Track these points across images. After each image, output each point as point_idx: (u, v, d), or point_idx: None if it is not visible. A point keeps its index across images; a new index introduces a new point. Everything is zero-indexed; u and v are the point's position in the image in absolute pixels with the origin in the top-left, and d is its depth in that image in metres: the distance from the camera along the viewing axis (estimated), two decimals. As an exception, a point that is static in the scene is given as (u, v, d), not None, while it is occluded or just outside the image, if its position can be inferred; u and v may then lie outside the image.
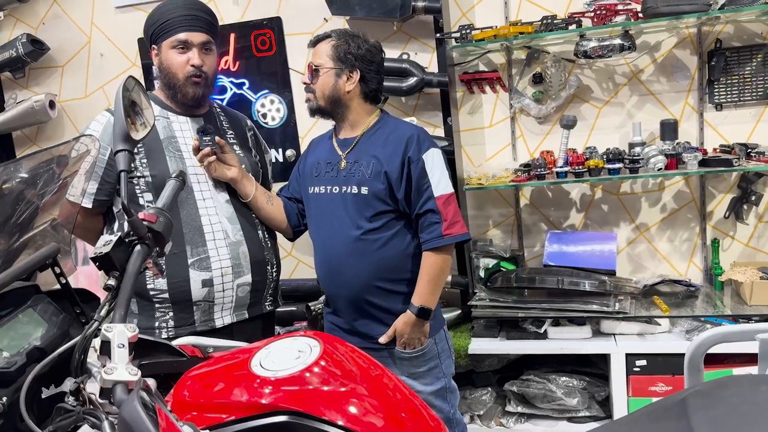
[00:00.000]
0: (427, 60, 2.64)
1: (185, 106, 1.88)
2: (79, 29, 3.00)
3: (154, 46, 1.86)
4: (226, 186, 1.89)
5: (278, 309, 2.08)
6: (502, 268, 2.56)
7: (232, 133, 1.98)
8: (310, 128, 2.82)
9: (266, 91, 2.84)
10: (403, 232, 1.85)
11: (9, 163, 1.24)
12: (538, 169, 2.37)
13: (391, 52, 2.62)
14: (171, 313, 1.81)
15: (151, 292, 1.79)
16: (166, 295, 1.79)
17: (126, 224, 1.17)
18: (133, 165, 1.75)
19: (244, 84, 2.84)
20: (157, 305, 1.81)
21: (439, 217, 1.79)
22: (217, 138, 1.84)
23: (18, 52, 2.87)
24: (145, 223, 1.20)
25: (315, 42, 1.90)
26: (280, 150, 2.88)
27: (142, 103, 1.32)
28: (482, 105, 2.66)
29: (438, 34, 2.50)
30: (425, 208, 1.80)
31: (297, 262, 2.96)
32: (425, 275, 1.82)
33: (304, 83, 1.90)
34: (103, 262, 1.12)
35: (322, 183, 1.92)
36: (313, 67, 1.86)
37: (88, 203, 1.79)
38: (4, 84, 3.15)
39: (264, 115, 2.86)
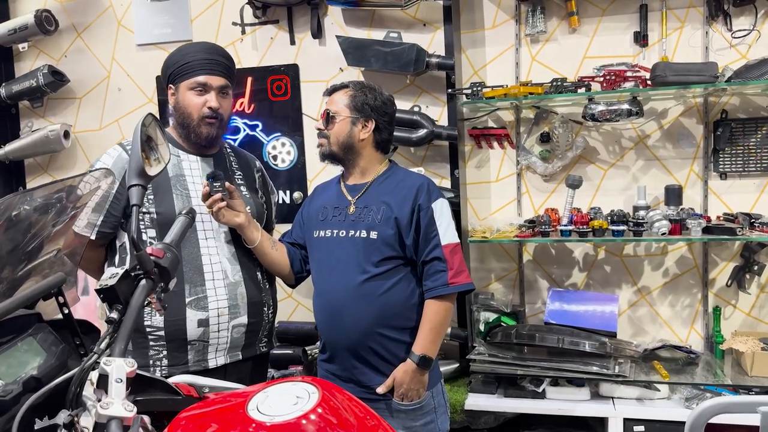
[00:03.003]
0: (438, 113, 2.70)
1: (197, 145, 1.91)
2: (100, 63, 3.08)
3: (171, 85, 1.90)
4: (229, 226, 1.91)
5: (273, 351, 2.07)
6: (502, 323, 2.54)
7: (240, 174, 2.01)
8: (319, 172, 2.86)
9: (278, 133, 2.89)
10: (408, 279, 1.86)
11: (23, 192, 1.26)
12: (543, 226, 2.38)
13: (403, 104, 2.69)
14: (165, 352, 1.80)
15: (148, 329, 1.79)
16: (162, 333, 1.79)
17: (129, 258, 1.18)
18: None
19: (257, 126, 2.90)
20: (151, 342, 1.80)
21: (445, 266, 1.81)
22: (227, 184, 1.85)
23: (38, 82, 2.94)
24: (152, 257, 1.21)
25: (331, 91, 1.95)
26: (288, 192, 2.91)
27: (158, 139, 1.34)
28: (489, 160, 2.70)
29: (450, 90, 2.56)
30: (432, 256, 1.82)
31: (296, 304, 2.95)
32: (428, 323, 1.81)
33: (318, 129, 1.94)
34: (107, 294, 1.12)
35: (329, 227, 1.93)
36: (330, 114, 1.90)
37: (91, 234, 1.79)
38: (21, 112, 3.21)
39: (275, 157, 2.91)
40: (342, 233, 1.89)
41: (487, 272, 2.74)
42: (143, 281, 1.16)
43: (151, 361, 1.78)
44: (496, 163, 2.69)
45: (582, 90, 2.39)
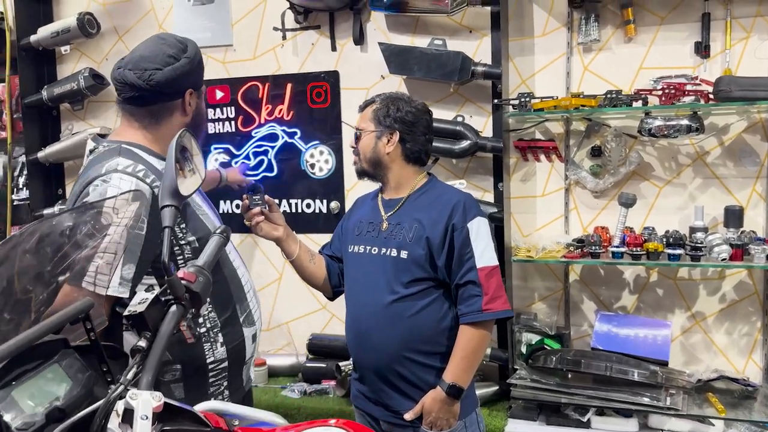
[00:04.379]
0: (482, 124, 2.59)
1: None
2: (141, 67, 3.06)
3: (192, 90, 1.61)
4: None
5: (307, 364, 1.98)
6: (545, 346, 2.42)
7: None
8: (357, 182, 2.77)
9: (317, 141, 2.83)
10: (440, 302, 1.76)
11: (54, 215, 1.20)
12: (593, 247, 2.26)
13: (445, 114, 2.59)
14: (226, 383, 1.65)
15: (211, 365, 1.61)
16: (225, 364, 1.63)
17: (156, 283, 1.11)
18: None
19: (295, 133, 2.84)
20: (212, 379, 1.62)
21: (480, 290, 1.70)
22: (266, 197, 1.80)
23: (79, 85, 2.93)
24: (183, 282, 1.14)
25: (363, 107, 1.91)
26: (324, 201, 2.84)
27: (193, 149, 1.27)
28: (536, 173, 2.57)
29: (496, 100, 2.45)
30: (466, 279, 1.71)
31: (330, 316, 2.88)
32: (460, 351, 1.71)
33: (351, 147, 1.90)
34: (136, 321, 1.06)
35: (362, 242, 1.86)
36: (357, 131, 1.86)
37: (124, 291, 1.42)
38: (62, 115, 3.21)
39: (312, 165, 2.84)
40: (374, 250, 1.82)
41: (530, 291, 2.62)
42: (173, 307, 1.09)
43: (212, 398, 1.63)
44: (542, 176, 2.57)
45: (638, 104, 2.25)
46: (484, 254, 1.72)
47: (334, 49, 2.77)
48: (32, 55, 3.08)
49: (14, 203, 3.29)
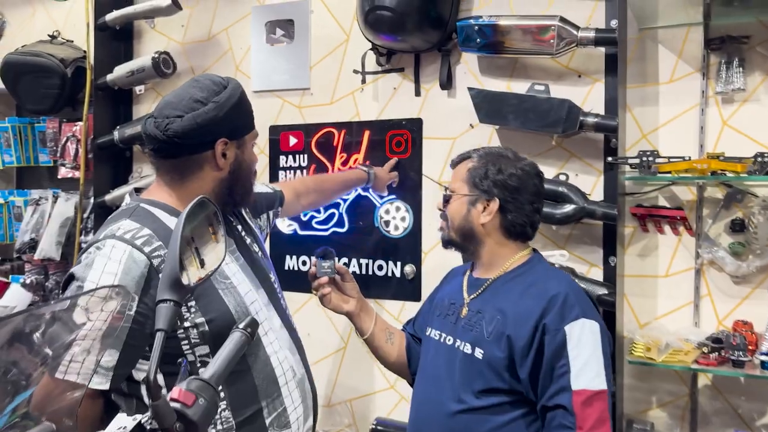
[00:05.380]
0: (590, 184, 2.16)
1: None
2: (214, 110, 2.89)
3: (227, 139, 1.36)
4: (270, 294, 1.48)
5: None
6: (665, 470, 1.91)
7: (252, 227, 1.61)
8: (437, 244, 2.41)
9: (393, 196, 2.50)
10: (521, 425, 1.36)
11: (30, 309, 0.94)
12: (735, 352, 1.75)
13: (545, 171, 2.15)
14: None
15: None
16: None
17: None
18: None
19: (370, 186, 2.52)
20: None
21: (572, 421, 1.28)
22: (337, 264, 1.57)
23: (150, 127, 2.78)
24: (176, 406, 0.82)
25: (456, 163, 1.58)
26: (399, 263, 2.48)
27: (212, 224, 0.98)
28: (658, 248, 2.10)
29: (610, 158, 2.02)
30: (555, 402, 1.31)
31: (399, 398, 2.49)
32: None
33: (439, 209, 1.57)
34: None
35: (439, 327, 1.54)
36: (447, 192, 1.55)
37: (102, 382, 1.19)
38: (135, 156, 3.09)
39: (387, 223, 2.50)
40: (448, 340, 1.49)
41: (647, 393, 2.11)
42: (159, 444, 0.78)
43: None
44: (667, 252, 2.09)
45: (801, 169, 1.76)
46: (585, 372, 1.30)
47: (418, 94, 2.45)
48: (109, 94, 2.98)
49: (82, 245, 3.18)
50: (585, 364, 1.30)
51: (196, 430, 0.84)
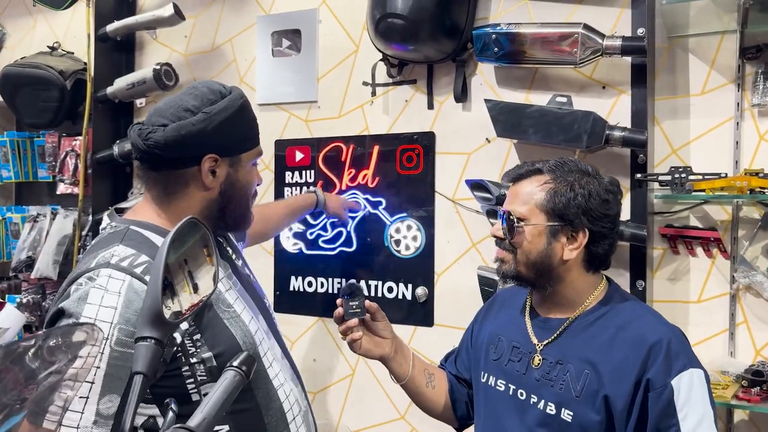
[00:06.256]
0: (615, 203, 2.02)
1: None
2: (217, 123, 2.77)
3: (218, 156, 1.23)
4: (268, 320, 1.36)
5: None
6: None
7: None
8: (450, 265, 2.28)
9: (404, 214, 2.36)
10: None
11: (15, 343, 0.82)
12: (782, 387, 1.60)
13: (567, 188, 2.05)
14: None
15: None
16: None
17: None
18: (179, 350, 1.11)
19: (380, 203, 2.39)
20: None
21: None
22: (367, 302, 1.36)
23: (151, 141, 2.67)
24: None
25: (517, 177, 1.32)
26: (410, 285, 2.34)
27: (197, 252, 0.86)
28: (689, 271, 1.96)
29: (639, 175, 1.89)
30: None
31: (410, 429, 2.34)
32: None
33: (496, 237, 1.32)
34: None
35: (503, 376, 1.32)
36: (513, 218, 1.27)
37: (103, 429, 1.05)
38: (135, 172, 2.97)
39: (397, 242, 2.37)
40: (520, 394, 1.27)
41: (678, 429, 1.96)
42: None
43: None
44: (699, 276, 1.94)
45: None
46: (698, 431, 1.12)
47: (431, 106, 2.33)
48: (109, 107, 2.87)
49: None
50: (698, 423, 1.12)
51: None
